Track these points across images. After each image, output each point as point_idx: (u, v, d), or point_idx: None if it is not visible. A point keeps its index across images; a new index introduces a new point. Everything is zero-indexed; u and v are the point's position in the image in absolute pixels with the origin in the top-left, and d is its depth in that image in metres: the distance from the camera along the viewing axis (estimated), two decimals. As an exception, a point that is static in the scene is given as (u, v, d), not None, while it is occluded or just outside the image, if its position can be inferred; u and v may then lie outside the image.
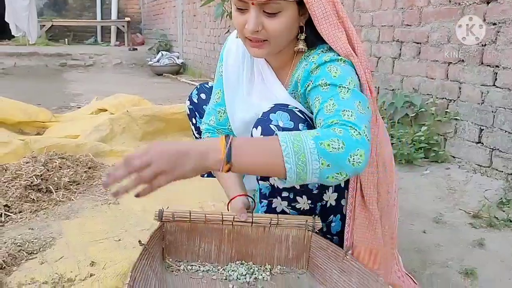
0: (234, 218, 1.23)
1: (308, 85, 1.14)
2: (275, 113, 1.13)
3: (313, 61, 1.14)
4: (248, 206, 1.26)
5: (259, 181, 1.22)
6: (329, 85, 1.07)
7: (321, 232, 1.35)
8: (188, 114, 1.65)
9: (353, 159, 0.92)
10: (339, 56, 1.13)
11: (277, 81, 1.25)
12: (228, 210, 1.30)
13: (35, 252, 1.50)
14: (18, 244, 1.53)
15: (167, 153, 0.91)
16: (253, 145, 0.97)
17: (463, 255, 1.64)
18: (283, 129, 1.10)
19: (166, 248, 1.24)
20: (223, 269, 1.23)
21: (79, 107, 4.17)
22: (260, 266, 1.25)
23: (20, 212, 1.79)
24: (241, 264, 1.25)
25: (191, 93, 1.62)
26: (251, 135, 1.16)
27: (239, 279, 1.20)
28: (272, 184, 1.18)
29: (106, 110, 3.43)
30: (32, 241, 1.57)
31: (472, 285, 1.45)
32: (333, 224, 1.32)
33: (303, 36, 1.16)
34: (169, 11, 9.17)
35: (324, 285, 1.18)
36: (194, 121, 1.63)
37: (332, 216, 1.27)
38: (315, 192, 1.18)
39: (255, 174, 1.24)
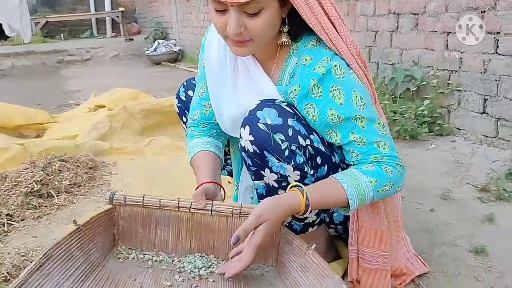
0: (191, 204, 1.15)
1: (310, 108, 1.12)
2: (262, 110, 1.09)
3: (305, 64, 1.10)
4: (215, 195, 1.19)
5: (255, 181, 1.18)
6: (343, 119, 1.10)
7: (324, 222, 1.32)
8: (178, 112, 1.59)
9: (397, 191, 1.17)
10: (332, 58, 1.08)
11: (263, 73, 1.19)
12: None
13: (39, 261, 1.49)
14: (22, 254, 1.52)
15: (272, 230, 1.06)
16: (325, 204, 1.12)
17: (472, 232, 1.61)
18: (272, 126, 1.07)
19: (119, 235, 1.18)
20: (179, 260, 1.16)
21: (78, 105, 4.14)
22: (222, 260, 1.17)
23: (23, 220, 1.78)
24: (200, 256, 1.18)
25: (178, 91, 1.56)
26: (240, 135, 1.12)
27: (192, 271, 1.12)
28: (267, 183, 1.15)
29: (105, 106, 3.40)
30: (36, 250, 1.56)
31: (483, 263, 1.42)
32: (335, 215, 1.30)
33: (286, 29, 1.10)
34: (162, -3, 9.04)
35: (285, 283, 1.10)
36: (184, 119, 1.57)
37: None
38: None
39: None
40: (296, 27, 1.11)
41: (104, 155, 2.54)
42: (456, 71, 2.40)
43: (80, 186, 2.10)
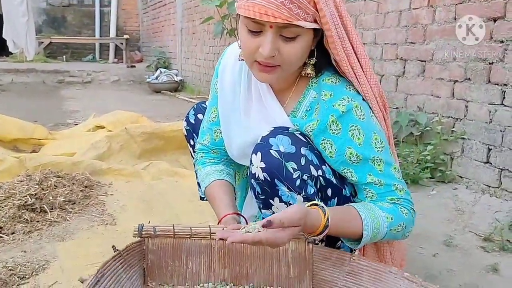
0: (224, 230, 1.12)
1: (326, 143, 1.10)
2: (275, 137, 1.07)
3: (324, 100, 1.09)
4: (239, 223, 1.17)
5: (262, 209, 1.14)
6: (360, 159, 1.09)
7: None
8: (185, 135, 1.56)
9: (406, 235, 1.14)
10: (351, 96, 1.08)
11: (276, 102, 1.17)
12: None
13: (27, 276, 1.43)
14: (10, 268, 1.45)
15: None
16: (339, 229, 1.05)
17: (477, 280, 1.57)
18: (284, 154, 1.05)
19: (149, 270, 1.12)
20: None
21: (76, 124, 4.11)
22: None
23: (13, 233, 1.72)
24: (234, 286, 1.14)
25: (188, 114, 1.54)
26: (250, 161, 1.09)
27: None
28: (275, 212, 1.10)
29: (104, 127, 3.37)
30: (25, 265, 1.49)
31: (490, 313, 1.38)
32: (341, 249, 1.25)
33: (313, 61, 1.10)
34: (168, 28, 9.19)
35: None
36: (192, 142, 1.54)
37: (340, 242, 1.20)
38: None
39: None
40: (321, 60, 1.10)
41: (101, 175, 2.49)
42: (461, 119, 2.41)
43: (74, 203, 2.04)
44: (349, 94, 1.08)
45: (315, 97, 1.12)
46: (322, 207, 1.01)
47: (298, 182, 1.06)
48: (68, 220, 1.89)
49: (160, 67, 8.44)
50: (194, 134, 1.51)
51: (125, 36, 11.25)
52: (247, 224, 1.21)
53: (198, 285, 1.14)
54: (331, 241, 1.18)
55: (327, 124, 1.08)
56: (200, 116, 1.49)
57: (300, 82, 1.15)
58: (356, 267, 1.06)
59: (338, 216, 1.04)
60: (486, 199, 2.20)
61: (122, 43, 11.06)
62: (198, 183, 1.62)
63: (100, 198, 2.20)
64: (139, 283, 1.06)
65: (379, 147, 1.09)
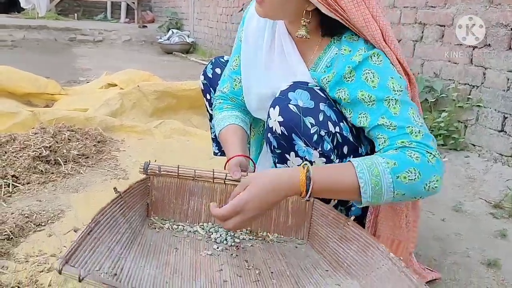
0: (226, 176, 1.14)
1: (341, 92, 1.07)
2: (294, 91, 1.06)
3: (343, 54, 1.07)
4: (246, 168, 1.18)
5: (277, 164, 1.14)
6: (373, 100, 1.03)
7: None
8: (202, 89, 1.57)
9: (429, 186, 0.96)
10: (369, 48, 1.05)
11: (298, 55, 1.17)
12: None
13: (43, 224, 1.46)
14: (26, 215, 1.48)
15: (259, 213, 0.97)
16: (332, 183, 0.97)
17: (484, 245, 1.58)
18: (303, 108, 1.04)
19: (152, 205, 1.16)
20: (215, 231, 1.15)
21: (88, 82, 4.11)
22: (254, 234, 1.16)
23: (28, 183, 1.75)
24: (232, 231, 1.15)
25: (206, 68, 1.54)
26: (268, 115, 1.09)
27: (227, 242, 1.11)
28: (289, 166, 1.11)
29: (116, 85, 3.37)
30: (40, 213, 1.53)
31: (496, 276, 1.39)
32: (352, 208, 1.26)
33: (304, 22, 1.07)
34: (180, -12, 9.02)
35: (322, 254, 1.09)
36: (208, 96, 1.55)
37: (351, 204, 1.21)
38: None
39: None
40: (336, 23, 1.07)
41: (113, 131, 2.51)
42: (478, 87, 2.37)
43: (87, 157, 2.07)
44: (366, 46, 1.06)
45: (336, 53, 1.11)
46: (305, 164, 0.98)
47: (315, 137, 1.05)
48: (81, 173, 1.92)
49: (172, 28, 8.34)
50: (211, 89, 1.51)
51: (137, -5, 11.07)
52: (255, 168, 1.23)
53: (198, 224, 1.17)
54: (344, 204, 1.19)
55: (343, 75, 1.06)
56: (217, 70, 1.49)
57: (323, 42, 1.14)
58: (349, 233, 1.03)
59: (326, 168, 1.01)
60: (498, 167, 2.19)
61: (133, 3, 10.89)
62: (212, 138, 1.63)
63: (113, 153, 2.22)
64: (137, 223, 1.08)
65: (396, 90, 1.01)
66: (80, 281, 0.69)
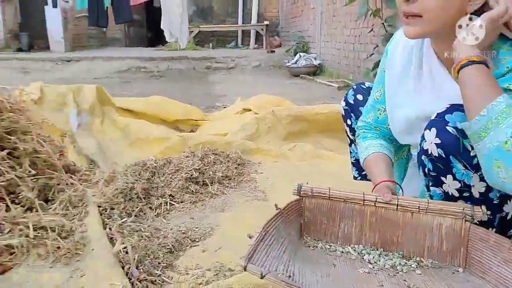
0: (376, 199, 1.15)
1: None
2: (451, 113, 1.05)
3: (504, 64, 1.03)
4: (394, 192, 1.19)
5: (431, 187, 1.13)
6: None
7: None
8: (343, 115, 1.62)
9: None
10: None
11: (448, 76, 1.15)
12: None
13: (197, 240, 1.62)
14: (183, 231, 1.66)
15: None
16: (480, 84, 0.97)
17: None
18: (461, 130, 1.02)
19: (305, 225, 1.22)
20: (368, 253, 1.16)
21: (225, 107, 4.43)
22: (408, 259, 1.15)
23: (182, 202, 1.96)
24: (385, 254, 1.16)
25: (347, 94, 1.59)
26: (422, 137, 1.09)
27: (380, 262, 1.12)
28: (446, 191, 1.09)
29: (250, 110, 3.59)
30: (194, 230, 1.70)
31: None
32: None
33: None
34: (307, 13, 9.26)
35: (485, 279, 1.03)
36: (349, 122, 1.60)
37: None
38: (495, 202, 1.07)
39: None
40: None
41: (251, 154, 2.67)
42: None
43: (230, 179, 2.24)
44: None
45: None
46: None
47: (475, 160, 1.02)
48: (225, 193, 2.09)
49: (299, 52, 8.58)
50: (352, 114, 1.56)
51: (265, 22, 11.66)
52: (402, 193, 1.23)
53: (349, 245, 1.20)
54: (503, 230, 1.13)
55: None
56: (359, 96, 1.54)
57: None
58: None
59: (482, 78, 0.99)
60: None
61: (262, 29, 11.49)
62: (352, 163, 1.67)
63: (252, 175, 2.37)
64: (296, 238, 1.15)
65: None
66: (262, 278, 0.78)
